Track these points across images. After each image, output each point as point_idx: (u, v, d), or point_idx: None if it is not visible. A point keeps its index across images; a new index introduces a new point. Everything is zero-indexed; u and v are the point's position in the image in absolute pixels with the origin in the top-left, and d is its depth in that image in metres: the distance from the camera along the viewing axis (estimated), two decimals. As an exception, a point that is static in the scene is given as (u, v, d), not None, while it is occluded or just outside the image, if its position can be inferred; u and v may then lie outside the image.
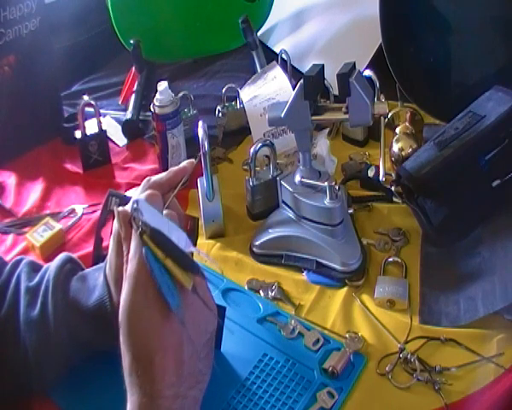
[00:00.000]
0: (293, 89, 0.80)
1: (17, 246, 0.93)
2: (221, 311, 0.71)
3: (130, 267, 0.54)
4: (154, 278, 0.52)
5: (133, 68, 1.25)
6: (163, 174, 0.64)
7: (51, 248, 0.91)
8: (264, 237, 0.88)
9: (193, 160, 0.65)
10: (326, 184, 0.82)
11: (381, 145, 0.92)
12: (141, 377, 0.53)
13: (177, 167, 0.65)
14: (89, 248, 0.90)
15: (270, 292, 0.82)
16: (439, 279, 0.82)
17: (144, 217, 0.53)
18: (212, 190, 0.90)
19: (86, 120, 1.07)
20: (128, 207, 0.57)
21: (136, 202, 0.55)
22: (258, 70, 1.21)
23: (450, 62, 1.07)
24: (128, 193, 0.99)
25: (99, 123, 1.07)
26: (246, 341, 0.76)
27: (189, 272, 0.53)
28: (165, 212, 0.60)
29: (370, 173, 0.97)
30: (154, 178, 0.64)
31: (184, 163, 0.66)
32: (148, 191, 0.60)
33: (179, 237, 0.53)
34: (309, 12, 1.37)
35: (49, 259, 0.85)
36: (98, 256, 0.80)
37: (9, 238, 0.94)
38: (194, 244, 0.68)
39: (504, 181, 0.84)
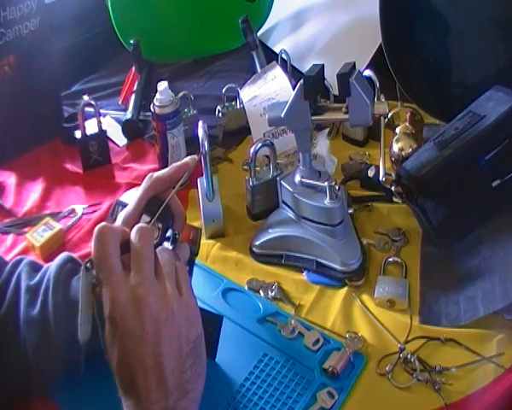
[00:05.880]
0: (293, 89, 0.80)
1: (17, 246, 0.93)
2: (217, 320, 0.71)
3: None
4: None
5: (133, 68, 1.25)
6: (165, 170, 0.64)
7: (51, 249, 0.91)
8: (264, 237, 0.88)
9: (195, 156, 0.65)
10: (326, 184, 0.82)
11: (381, 145, 0.92)
12: (127, 396, 0.54)
13: (179, 163, 0.64)
14: (89, 248, 0.90)
15: (270, 292, 0.82)
16: (439, 279, 0.82)
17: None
18: (212, 190, 0.90)
19: (86, 120, 1.07)
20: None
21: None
22: (258, 70, 1.21)
23: (450, 62, 1.07)
24: (127, 193, 1.00)
25: (99, 123, 1.07)
26: (246, 341, 0.76)
27: None
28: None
29: (370, 173, 0.97)
30: (157, 173, 0.64)
31: (187, 159, 0.66)
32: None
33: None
34: (309, 12, 1.37)
35: (49, 259, 0.85)
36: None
37: (9, 238, 0.94)
38: (196, 254, 0.68)
39: (504, 181, 0.84)
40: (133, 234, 0.56)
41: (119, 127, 1.17)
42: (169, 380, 0.54)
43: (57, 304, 0.66)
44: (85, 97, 1.08)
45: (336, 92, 0.82)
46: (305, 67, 1.14)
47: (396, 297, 0.79)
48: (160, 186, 0.62)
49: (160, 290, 0.55)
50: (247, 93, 1.10)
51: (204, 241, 0.91)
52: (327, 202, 0.82)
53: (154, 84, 1.05)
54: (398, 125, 1.01)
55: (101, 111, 1.15)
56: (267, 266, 0.87)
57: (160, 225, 0.61)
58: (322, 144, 1.00)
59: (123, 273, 0.54)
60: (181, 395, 0.55)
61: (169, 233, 0.60)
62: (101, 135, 1.08)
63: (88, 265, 0.55)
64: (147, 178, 0.63)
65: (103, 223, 0.56)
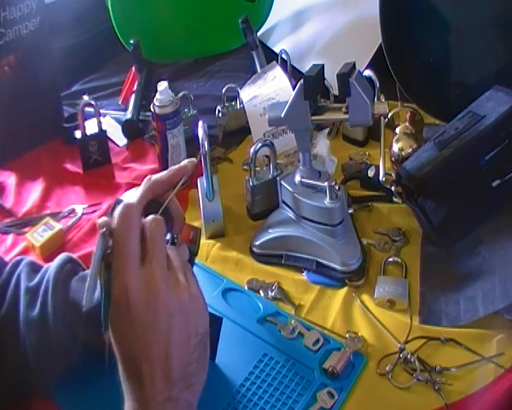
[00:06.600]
0: (293, 89, 0.80)
1: (17, 246, 0.93)
2: (217, 322, 0.71)
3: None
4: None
5: (133, 68, 1.25)
6: (164, 173, 0.64)
7: (51, 249, 0.91)
8: (264, 237, 0.88)
9: (193, 159, 0.65)
10: (326, 184, 0.82)
11: (381, 145, 0.92)
12: (131, 385, 0.54)
13: (177, 166, 0.65)
14: (89, 248, 0.90)
15: (270, 292, 0.82)
16: (439, 279, 0.82)
17: None
18: (212, 190, 0.90)
19: (86, 120, 1.07)
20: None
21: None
22: (258, 70, 1.21)
23: (450, 62, 1.07)
24: (126, 194, 0.99)
25: (99, 123, 1.07)
26: (246, 341, 0.76)
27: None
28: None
29: (370, 173, 0.97)
30: (155, 176, 0.64)
31: (185, 162, 0.66)
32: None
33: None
34: (309, 12, 1.37)
35: (49, 259, 0.85)
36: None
37: (9, 238, 0.94)
38: (196, 254, 0.68)
39: (504, 181, 0.84)
40: (148, 223, 0.55)
41: (119, 127, 1.17)
42: (175, 371, 0.54)
43: (56, 305, 0.67)
44: (85, 97, 1.08)
45: (336, 92, 0.82)
46: (305, 67, 1.14)
47: (396, 297, 0.79)
48: (159, 189, 0.62)
49: (173, 280, 0.55)
50: (247, 93, 1.10)
51: (204, 241, 0.91)
52: (327, 202, 0.82)
53: (154, 84, 1.05)
54: (398, 125, 1.01)
55: (101, 111, 1.15)
56: (267, 266, 0.87)
57: None
58: (322, 144, 1.00)
59: (138, 259, 0.54)
60: (184, 387, 0.55)
61: (168, 237, 0.60)
62: (101, 135, 1.08)
63: (105, 232, 0.54)
64: (145, 180, 0.63)
65: (132, 201, 0.56)
